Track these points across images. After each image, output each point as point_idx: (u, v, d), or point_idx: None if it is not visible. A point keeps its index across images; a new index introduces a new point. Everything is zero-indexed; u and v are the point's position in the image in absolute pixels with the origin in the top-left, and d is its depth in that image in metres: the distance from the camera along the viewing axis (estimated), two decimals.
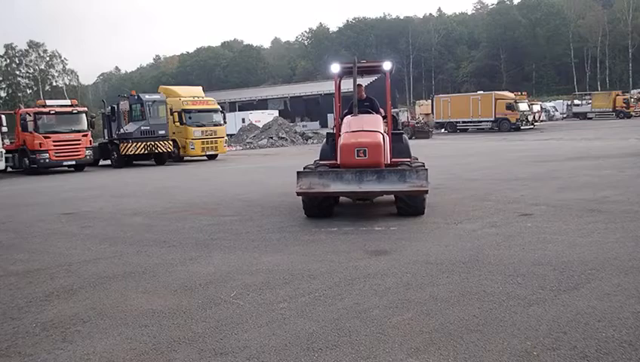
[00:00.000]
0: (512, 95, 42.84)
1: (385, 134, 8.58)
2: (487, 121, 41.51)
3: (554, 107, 61.42)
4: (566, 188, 10.70)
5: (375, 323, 4.15)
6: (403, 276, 5.36)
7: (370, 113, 9.00)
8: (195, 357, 3.74)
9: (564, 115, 60.57)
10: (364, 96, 9.49)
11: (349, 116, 8.74)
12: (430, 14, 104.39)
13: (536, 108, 46.11)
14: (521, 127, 39.46)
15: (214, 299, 4.94)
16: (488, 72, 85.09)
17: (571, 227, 7.20)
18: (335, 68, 9.30)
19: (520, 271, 5.32)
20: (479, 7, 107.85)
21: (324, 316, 4.38)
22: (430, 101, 48.89)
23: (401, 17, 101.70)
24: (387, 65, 9.17)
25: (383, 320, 4.21)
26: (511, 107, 40.00)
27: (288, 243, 7.07)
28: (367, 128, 8.33)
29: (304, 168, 8.86)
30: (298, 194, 8.15)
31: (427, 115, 47.25)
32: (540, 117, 46.68)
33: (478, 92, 48.02)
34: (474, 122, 42.49)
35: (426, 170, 7.95)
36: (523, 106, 40.88)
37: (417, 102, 59.40)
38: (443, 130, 44.15)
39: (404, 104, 70.37)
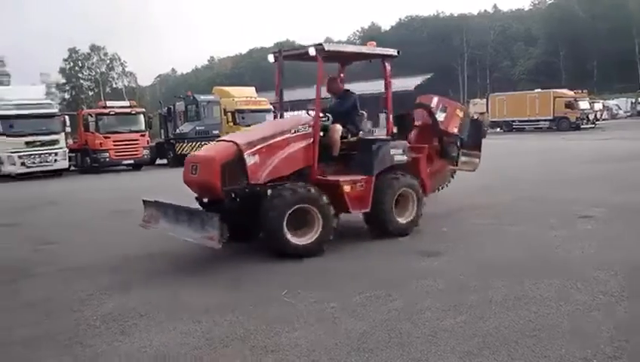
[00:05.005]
0: (571, 93, 41.34)
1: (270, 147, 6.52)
2: (546, 120, 40.21)
3: (617, 105, 58.86)
4: (627, 189, 10.20)
5: (427, 326, 4.10)
6: (456, 278, 5.26)
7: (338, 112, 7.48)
8: (246, 354, 3.79)
9: (629, 114, 57.92)
10: (340, 90, 7.84)
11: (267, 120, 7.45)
12: (485, 11, 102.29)
13: (597, 106, 44.32)
14: (582, 126, 38.04)
15: (266, 297, 5.00)
16: (546, 69, 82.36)
17: (635, 230, 6.88)
18: (271, 58, 7.55)
19: (580, 275, 5.11)
20: (537, 2, 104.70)
21: (375, 316, 4.35)
22: (485, 100, 47.85)
23: (455, 15, 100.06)
24: (312, 51, 6.83)
25: (434, 323, 4.14)
26: (570, 105, 38.61)
27: (340, 243, 7.05)
28: (237, 138, 6.71)
29: None
30: (140, 225, 7.15)
31: (482, 113, 46.20)
32: (601, 115, 44.85)
33: (536, 90, 46.59)
34: (531, 121, 41.25)
35: (218, 217, 5.85)
36: (584, 104, 39.37)
37: (472, 100, 58.30)
38: (498, 130, 43.12)
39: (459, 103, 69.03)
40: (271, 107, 27.89)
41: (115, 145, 23.23)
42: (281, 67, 7.41)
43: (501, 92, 49.52)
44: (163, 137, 26.84)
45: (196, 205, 6.76)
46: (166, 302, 5.01)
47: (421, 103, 8.77)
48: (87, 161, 23.70)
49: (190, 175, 6.55)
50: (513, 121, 42.37)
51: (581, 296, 4.55)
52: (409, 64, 63.17)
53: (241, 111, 25.87)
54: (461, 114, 8.69)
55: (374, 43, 8.01)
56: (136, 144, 23.88)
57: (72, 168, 24.15)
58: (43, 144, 21.29)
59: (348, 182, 6.85)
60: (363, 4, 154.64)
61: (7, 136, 20.70)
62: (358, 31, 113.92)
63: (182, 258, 6.67)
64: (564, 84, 59.23)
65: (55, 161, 21.63)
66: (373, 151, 7.17)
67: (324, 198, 6.44)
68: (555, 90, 43.41)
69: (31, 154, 20.93)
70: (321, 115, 7.16)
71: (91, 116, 23.72)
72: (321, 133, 7.03)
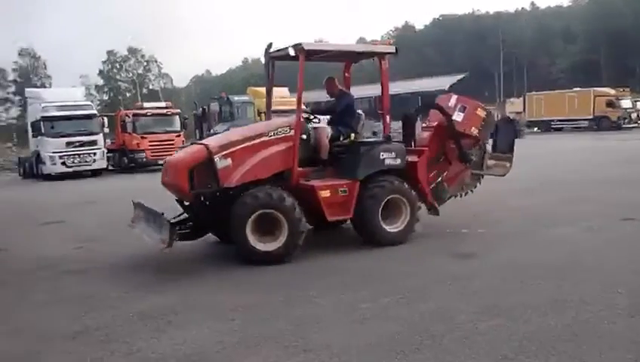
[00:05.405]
0: (612, 91, 40.19)
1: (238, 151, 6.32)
2: (585, 120, 39.20)
3: None
4: None
5: (461, 328, 4.04)
6: (491, 280, 5.18)
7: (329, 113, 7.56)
8: (279, 353, 3.81)
9: None
10: (337, 91, 7.62)
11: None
12: (522, 8, 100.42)
13: None
14: (623, 126, 36.91)
15: (297, 297, 5.01)
16: (586, 67, 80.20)
17: None
18: (262, 59, 7.39)
19: (620, 279, 4.97)
20: None
21: (407, 318, 4.31)
22: (522, 99, 46.96)
23: (491, 12, 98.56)
24: (291, 51, 6.81)
25: (468, 325, 4.08)
26: (612, 104, 37.53)
27: (371, 244, 7.00)
28: (210, 141, 6.79)
29: None
30: (128, 226, 7.21)
31: (518, 113, 45.29)
32: None
33: (575, 89, 45.50)
34: (570, 121, 40.27)
35: (169, 223, 6.11)
36: (626, 103, 38.22)
37: (508, 100, 57.26)
38: (536, 129, 42.23)
39: (494, 102, 67.93)
40: (304, 107, 27.97)
41: (151, 146, 23.65)
42: (269, 66, 7.39)
43: (538, 91, 48.51)
44: (197, 138, 27.18)
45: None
46: (201, 301, 5.08)
47: (436, 105, 8.10)
48: (125, 160, 24.20)
49: (164, 178, 6.67)
50: (551, 121, 41.46)
51: (622, 301, 4.42)
52: (444, 63, 62.54)
53: (274, 112, 25.95)
54: (482, 114, 7.95)
55: (378, 42, 7.91)
56: (172, 144, 24.17)
57: (110, 168, 24.68)
58: (82, 144, 21.85)
59: (325, 186, 6.49)
60: (398, 3, 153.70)
61: (49, 136, 21.36)
62: (392, 30, 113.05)
63: (215, 258, 6.75)
64: (605, 83, 57.59)
65: (94, 161, 22.15)
66: (361, 153, 6.80)
67: (290, 203, 6.12)
68: (595, 88, 42.30)
69: (71, 155, 21.49)
70: (311, 116, 7.07)
71: (128, 117, 24.24)
72: (304, 136, 6.78)
